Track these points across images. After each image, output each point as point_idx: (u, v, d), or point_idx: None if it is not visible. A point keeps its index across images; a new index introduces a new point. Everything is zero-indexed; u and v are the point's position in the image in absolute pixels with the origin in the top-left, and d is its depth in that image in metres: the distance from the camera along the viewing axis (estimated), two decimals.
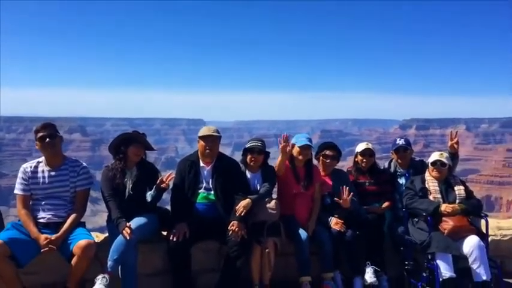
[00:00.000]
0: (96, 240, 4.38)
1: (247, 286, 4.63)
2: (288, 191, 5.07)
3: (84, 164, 4.57)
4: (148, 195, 4.48)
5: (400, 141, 5.42)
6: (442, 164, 4.79)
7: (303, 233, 4.79)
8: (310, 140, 5.10)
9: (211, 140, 4.73)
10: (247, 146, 4.95)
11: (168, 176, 4.49)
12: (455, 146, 5.20)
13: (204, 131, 4.79)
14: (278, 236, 4.74)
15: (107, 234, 4.72)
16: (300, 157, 5.03)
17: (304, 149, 5.02)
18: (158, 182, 4.44)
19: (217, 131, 4.80)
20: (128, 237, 4.13)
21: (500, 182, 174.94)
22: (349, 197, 4.96)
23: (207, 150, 4.72)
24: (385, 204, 5.29)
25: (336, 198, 5.01)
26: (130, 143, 4.57)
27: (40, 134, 4.29)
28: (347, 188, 5.00)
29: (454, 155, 5.13)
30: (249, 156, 4.91)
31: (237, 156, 5.22)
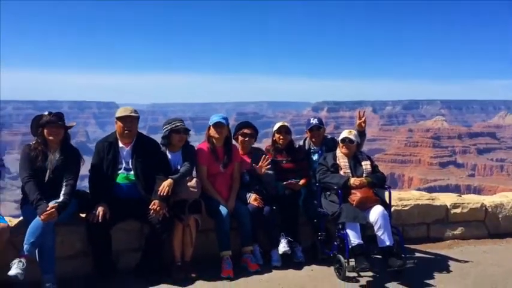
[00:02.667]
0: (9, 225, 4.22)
1: (169, 263, 4.72)
2: (209, 170, 5.18)
3: None
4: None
5: (314, 121, 5.75)
6: (350, 140, 5.16)
7: (223, 209, 4.94)
8: (225, 118, 5.24)
9: (130, 121, 4.70)
10: (170, 127, 4.95)
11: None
12: (363, 124, 5.64)
13: (121, 112, 4.74)
14: (199, 213, 4.86)
15: (20, 219, 4.55)
16: (217, 135, 5.15)
17: (218, 126, 5.15)
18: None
19: (135, 111, 4.78)
20: (50, 219, 4.02)
21: (402, 161, 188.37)
22: (266, 163, 5.19)
23: (126, 131, 4.69)
24: (302, 181, 5.54)
25: (254, 164, 5.23)
26: (45, 126, 4.40)
27: None
28: (266, 157, 5.24)
29: (361, 133, 5.55)
30: (176, 137, 4.94)
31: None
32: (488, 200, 6.56)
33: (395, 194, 6.44)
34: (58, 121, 4.44)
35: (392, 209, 5.86)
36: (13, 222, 4.57)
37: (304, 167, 5.65)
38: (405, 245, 5.63)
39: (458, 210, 6.25)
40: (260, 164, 5.22)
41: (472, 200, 6.46)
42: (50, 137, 4.39)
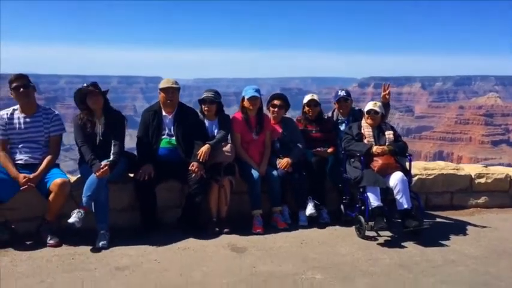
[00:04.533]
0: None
1: (206, 220, 5.30)
2: (242, 138, 5.69)
3: (57, 112, 5.04)
4: None
5: (342, 93, 6.13)
6: (375, 112, 5.51)
7: (255, 173, 5.45)
8: (258, 91, 5.69)
9: (171, 91, 5.26)
10: (201, 97, 5.52)
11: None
12: (387, 96, 5.97)
13: (164, 83, 5.30)
14: (233, 176, 5.40)
15: (78, 176, 5.24)
16: (251, 107, 5.63)
17: (252, 99, 5.61)
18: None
19: (176, 83, 5.33)
20: (103, 175, 4.66)
21: (452, 139, 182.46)
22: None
23: (168, 101, 5.26)
24: (330, 149, 5.94)
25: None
26: (85, 97, 4.97)
27: (14, 84, 4.72)
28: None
29: (386, 105, 5.88)
30: (203, 106, 5.49)
31: None
32: None
33: (421, 163, 6.75)
34: (95, 89, 4.99)
35: (416, 177, 6.24)
36: (72, 179, 5.26)
37: (332, 136, 6.04)
38: (428, 211, 6.03)
39: (482, 180, 6.49)
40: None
41: (497, 171, 6.66)
42: (93, 105, 4.98)
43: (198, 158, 5.11)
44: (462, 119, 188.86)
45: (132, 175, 5.24)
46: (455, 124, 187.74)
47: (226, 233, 5.17)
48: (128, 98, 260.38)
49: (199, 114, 5.57)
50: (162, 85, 5.30)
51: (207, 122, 5.56)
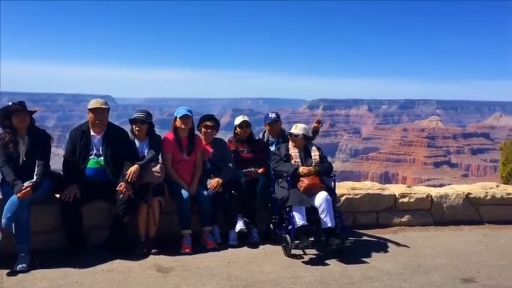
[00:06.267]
0: None
1: (134, 240, 5.27)
2: (173, 158, 5.74)
3: None
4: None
5: (272, 115, 6.36)
6: (295, 135, 5.75)
7: (184, 193, 5.49)
8: (190, 111, 5.80)
9: (101, 112, 5.27)
10: (132, 117, 5.57)
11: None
12: (317, 126, 6.43)
13: (93, 104, 5.31)
14: (163, 196, 5.43)
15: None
16: (182, 126, 5.71)
17: (184, 118, 5.71)
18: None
19: (106, 103, 5.36)
20: (25, 196, 4.57)
21: (397, 160, 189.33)
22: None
23: (97, 121, 5.26)
24: (260, 170, 6.11)
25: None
26: (11, 115, 4.90)
27: None
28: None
29: (315, 131, 6.33)
30: (134, 126, 5.52)
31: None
32: (434, 191, 7.13)
33: (349, 183, 7.03)
34: (22, 109, 4.94)
35: (344, 197, 6.51)
36: None
37: (262, 157, 6.22)
38: (356, 230, 6.28)
39: (405, 200, 6.83)
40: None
41: (420, 191, 7.04)
42: (19, 124, 4.92)
43: (126, 178, 5.11)
44: (406, 141, 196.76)
45: (57, 195, 5.16)
46: (400, 146, 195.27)
47: (154, 253, 5.16)
48: (75, 117, 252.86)
49: (130, 134, 5.59)
50: (91, 105, 5.30)
51: (137, 142, 5.59)
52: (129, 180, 5.10)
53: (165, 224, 5.52)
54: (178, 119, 5.76)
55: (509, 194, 7.19)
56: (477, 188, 7.32)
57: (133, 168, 5.19)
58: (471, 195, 7.09)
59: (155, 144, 5.60)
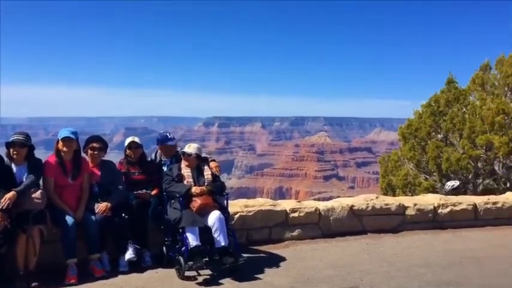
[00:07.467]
0: None
1: (13, 273, 4.82)
2: (57, 183, 5.38)
3: None
4: None
5: (169, 135, 6.32)
6: (188, 154, 5.73)
7: (69, 219, 5.16)
8: (74, 133, 5.49)
9: None
10: (9, 139, 5.11)
11: None
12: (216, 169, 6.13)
13: None
14: (44, 224, 5.03)
15: None
16: (65, 149, 5.39)
17: (66, 140, 5.39)
18: None
19: None
20: None
21: (290, 174, 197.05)
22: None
23: None
24: (154, 192, 5.96)
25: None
26: None
27: None
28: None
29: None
30: (11, 150, 5.08)
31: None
32: (322, 205, 7.49)
33: (242, 201, 7.13)
34: None
35: (237, 215, 6.57)
36: None
37: (155, 178, 6.07)
38: (250, 246, 6.36)
39: (296, 214, 7.08)
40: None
41: (308, 205, 7.35)
42: None
43: (0, 206, 4.67)
44: (298, 156, 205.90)
45: None
46: (292, 161, 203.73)
47: (35, 287, 4.76)
48: None
49: (5, 158, 5.13)
50: None
51: (14, 167, 5.14)
52: (3, 208, 4.67)
53: (48, 253, 5.16)
54: (60, 141, 5.43)
55: (387, 204, 7.78)
56: (360, 200, 7.83)
57: (9, 194, 4.77)
58: (355, 207, 7.55)
59: (35, 168, 5.20)
